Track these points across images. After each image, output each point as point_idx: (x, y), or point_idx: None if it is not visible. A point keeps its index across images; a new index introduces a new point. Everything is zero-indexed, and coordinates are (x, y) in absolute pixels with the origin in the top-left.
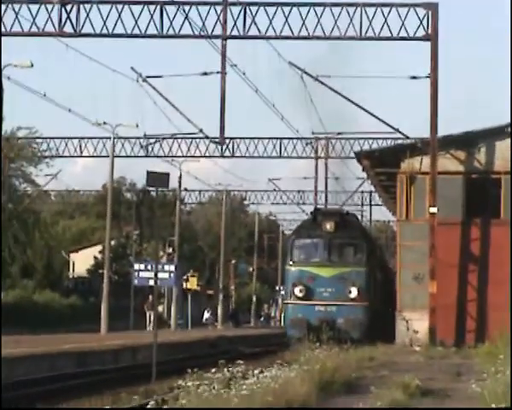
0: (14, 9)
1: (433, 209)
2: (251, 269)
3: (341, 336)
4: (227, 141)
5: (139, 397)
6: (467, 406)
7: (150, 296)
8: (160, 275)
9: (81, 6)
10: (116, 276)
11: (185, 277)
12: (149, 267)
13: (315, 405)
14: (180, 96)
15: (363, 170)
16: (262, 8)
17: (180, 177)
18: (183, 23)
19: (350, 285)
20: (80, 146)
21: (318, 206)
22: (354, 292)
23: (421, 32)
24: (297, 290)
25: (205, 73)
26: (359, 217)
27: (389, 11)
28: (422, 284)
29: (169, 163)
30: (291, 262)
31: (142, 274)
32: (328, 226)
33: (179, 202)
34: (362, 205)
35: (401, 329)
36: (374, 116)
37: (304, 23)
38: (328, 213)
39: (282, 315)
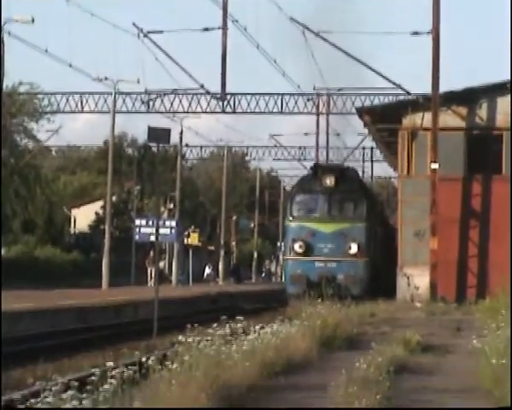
0: None
1: (435, 165)
2: (252, 225)
3: (341, 292)
4: (228, 97)
5: (140, 352)
6: (468, 360)
7: (151, 252)
8: (162, 231)
9: None
10: (117, 231)
11: (186, 233)
12: (150, 223)
13: (316, 360)
14: (181, 52)
15: (365, 126)
16: None
17: (181, 132)
18: None
19: (350, 241)
20: (81, 102)
21: (319, 161)
22: (354, 248)
23: None
24: (297, 246)
25: (206, 29)
26: (360, 173)
27: None
28: (423, 240)
29: (170, 119)
30: (291, 217)
31: (143, 230)
32: (328, 181)
33: (180, 157)
34: (363, 161)
35: (402, 285)
36: (375, 72)
37: None
38: (328, 168)
39: (282, 271)
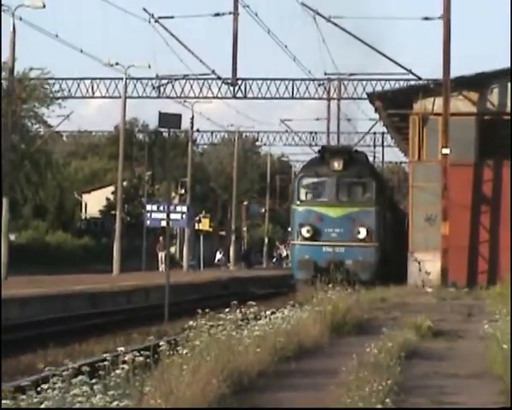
0: None
1: (446, 150)
2: (263, 210)
3: (350, 278)
4: (239, 82)
5: (151, 338)
6: (479, 346)
7: (161, 238)
8: (173, 216)
9: None
10: (128, 217)
11: (197, 218)
12: (161, 208)
13: (327, 345)
14: (192, 37)
15: (376, 111)
16: None
17: (192, 118)
18: None
19: (358, 226)
20: (92, 87)
21: (327, 145)
22: (363, 233)
23: None
24: (304, 231)
25: (217, 14)
26: (371, 158)
27: None
28: (434, 225)
29: (181, 104)
30: (298, 202)
31: (154, 215)
32: (336, 165)
33: (191, 142)
34: (374, 146)
35: (413, 270)
36: (386, 57)
37: None
38: (336, 151)
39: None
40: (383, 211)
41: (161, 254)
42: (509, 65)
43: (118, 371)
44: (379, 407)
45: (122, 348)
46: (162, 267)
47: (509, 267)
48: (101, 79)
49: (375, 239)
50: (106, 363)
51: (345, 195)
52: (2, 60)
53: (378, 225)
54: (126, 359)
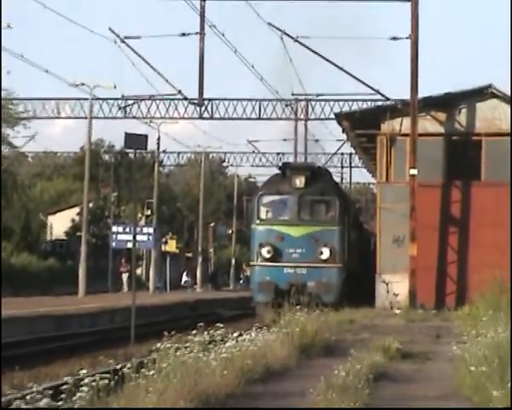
0: None
1: (414, 171)
2: (230, 231)
3: (312, 300)
4: (206, 102)
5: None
6: (447, 367)
7: (123, 259)
8: (139, 237)
9: None
10: (94, 238)
11: (164, 239)
12: (128, 230)
13: (295, 367)
14: (159, 58)
15: (343, 131)
16: None
17: (158, 138)
18: None
19: (321, 245)
20: (58, 107)
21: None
22: (326, 253)
23: None
24: (264, 251)
25: (183, 34)
26: (339, 179)
27: None
28: (402, 246)
29: (147, 125)
30: (258, 221)
31: (120, 236)
32: (298, 182)
33: (158, 163)
34: (342, 167)
35: (381, 292)
36: (354, 77)
37: None
38: (297, 168)
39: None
40: (347, 230)
41: (124, 276)
42: (477, 85)
43: (82, 394)
44: None
45: (85, 371)
46: (125, 288)
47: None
48: (66, 99)
49: (339, 260)
50: (69, 386)
51: (307, 213)
52: None
53: (342, 244)
54: (90, 381)
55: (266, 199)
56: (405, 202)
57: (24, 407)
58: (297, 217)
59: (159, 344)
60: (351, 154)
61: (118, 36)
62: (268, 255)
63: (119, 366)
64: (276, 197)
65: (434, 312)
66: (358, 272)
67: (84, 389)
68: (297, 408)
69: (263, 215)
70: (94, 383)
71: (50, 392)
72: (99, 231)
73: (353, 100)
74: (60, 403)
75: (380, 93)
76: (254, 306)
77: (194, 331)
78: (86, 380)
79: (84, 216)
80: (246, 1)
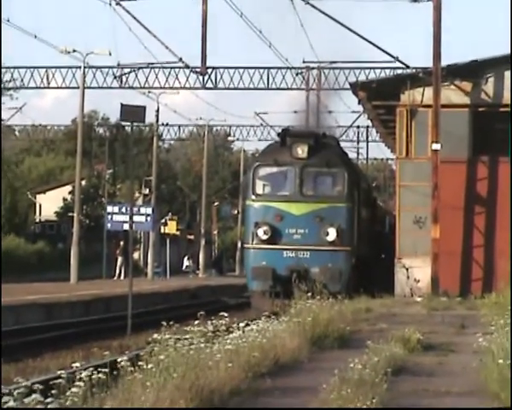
0: None
1: (436, 146)
2: (235, 212)
3: (317, 289)
4: (209, 71)
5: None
6: (472, 360)
7: (122, 242)
8: (136, 218)
9: None
10: (87, 219)
11: (163, 220)
12: (124, 210)
13: (306, 360)
14: (158, 22)
15: (359, 103)
16: None
17: (157, 110)
18: None
19: (327, 225)
20: (47, 76)
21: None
22: (332, 234)
23: None
24: (260, 232)
25: None
26: (355, 155)
27: None
28: (424, 228)
29: (145, 95)
30: (253, 196)
31: (115, 217)
32: (300, 151)
33: (157, 137)
34: (358, 141)
35: (400, 278)
36: (371, 43)
37: None
38: (299, 135)
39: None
40: (357, 208)
41: (120, 260)
42: (508, 51)
43: (74, 390)
44: None
45: (78, 364)
46: (121, 274)
47: (509, 271)
48: (57, 67)
49: (348, 242)
50: (61, 381)
51: (310, 188)
52: None
53: (351, 224)
54: (83, 376)
55: (263, 171)
56: (427, 180)
57: (12, 403)
58: (299, 192)
59: (157, 335)
60: (367, 127)
61: None
62: (265, 237)
63: (114, 359)
64: (275, 169)
65: (459, 299)
66: (370, 256)
67: (78, 384)
68: (297, 408)
69: (259, 190)
70: (87, 378)
71: (40, 387)
72: (92, 212)
73: (370, 68)
74: (50, 399)
75: (399, 61)
76: (249, 295)
77: (195, 321)
78: (79, 375)
79: (76, 195)
80: None
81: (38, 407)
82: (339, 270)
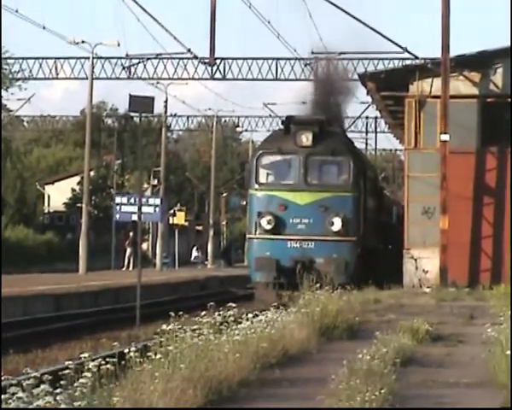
0: None
1: (445, 137)
2: (244, 203)
3: (322, 280)
4: (218, 62)
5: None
6: (481, 351)
7: (131, 233)
8: (145, 209)
9: None
10: (96, 210)
11: (172, 211)
12: (132, 201)
13: (315, 351)
14: (166, 13)
15: (368, 93)
16: None
17: (166, 101)
18: None
19: (332, 215)
20: (56, 67)
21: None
22: (338, 224)
23: None
24: (264, 222)
25: None
26: (363, 145)
27: None
28: (433, 219)
29: (154, 86)
30: (256, 185)
31: (124, 208)
32: (305, 139)
33: (165, 128)
34: (366, 132)
35: (409, 269)
36: (380, 34)
37: None
38: (304, 122)
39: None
40: (364, 197)
41: (129, 251)
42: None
43: (83, 381)
44: None
45: (86, 355)
46: (130, 265)
47: (509, 265)
48: (65, 58)
49: (353, 232)
50: (69, 371)
51: (315, 177)
52: None
53: (357, 214)
54: (91, 367)
55: (266, 159)
56: (436, 171)
57: (21, 394)
58: (303, 181)
59: (165, 326)
60: (376, 118)
61: None
62: (268, 227)
63: (122, 350)
64: (279, 157)
65: (467, 290)
66: (377, 246)
67: (86, 375)
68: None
69: (262, 179)
70: (95, 369)
71: (49, 378)
72: (101, 203)
73: (379, 59)
74: (58, 390)
75: (408, 51)
76: (252, 287)
77: (204, 312)
78: (88, 365)
79: (84, 186)
80: None
81: (41, 402)
82: (344, 261)
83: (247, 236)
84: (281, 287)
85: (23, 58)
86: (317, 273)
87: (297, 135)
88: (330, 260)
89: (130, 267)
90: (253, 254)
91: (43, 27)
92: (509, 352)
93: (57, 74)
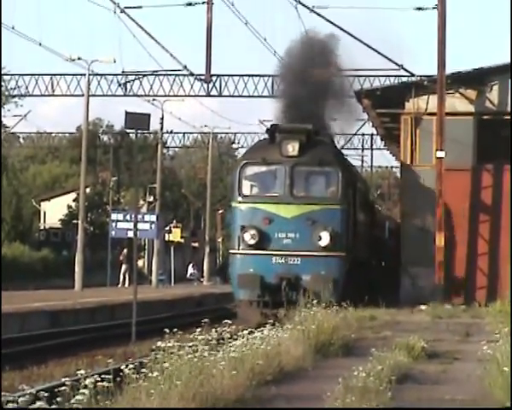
0: None
1: (441, 154)
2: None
3: (309, 298)
4: (214, 78)
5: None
6: (477, 368)
7: (125, 250)
8: (140, 226)
9: None
10: (92, 227)
11: (168, 228)
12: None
13: (310, 368)
14: (162, 30)
15: (364, 110)
16: None
17: (162, 118)
18: None
19: (320, 229)
20: (52, 84)
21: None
22: (326, 238)
23: None
24: (247, 236)
25: (189, 4)
26: (359, 162)
27: None
28: (429, 236)
29: (150, 103)
30: (239, 198)
31: (120, 225)
32: (291, 149)
33: (161, 145)
34: (362, 149)
35: (405, 285)
36: (376, 51)
37: None
38: (290, 131)
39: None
40: (353, 210)
41: (124, 267)
42: (510, 60)
43: (79, 397)
44: None
45: (82, 372)
46: (125, 282)
47: (509, 279)
48: (61, 75)
49: (342, 247)
50: (65, 388)
51: (301, 189)
52: None
53: (346, 228)
54: (87, 383)
55: (250, 170)
56: (432, 188)
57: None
58: (289, 193)
59: (161, 342)
60: (372, 134)
61: (117, 5)
62: (252, 241)
63: (118, 367)
64: (263, 168)
65: (463, 307)
66: (368, 262)
67: (82, 391)
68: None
69: (246, 191)
70: (91, 386)
71: (45, 394)
72: (97, 219)
73: (375, 76)
74: (54, 407)
75: (404, 68)
76: (234, 305)
77: (199, 329)
78: (84, 382)
79: (80, 203)
80: None
81: None
82: (332, 277)
83: (230, 251)
84: (265, 305)
85: (19, 74)
86: (304, 291)
87: (282, 144)
88: (318, 277)
89: (126, 284)
90: (235, 271)
91: (40, 44)
92: (505, 368)
93: (53, 91)
